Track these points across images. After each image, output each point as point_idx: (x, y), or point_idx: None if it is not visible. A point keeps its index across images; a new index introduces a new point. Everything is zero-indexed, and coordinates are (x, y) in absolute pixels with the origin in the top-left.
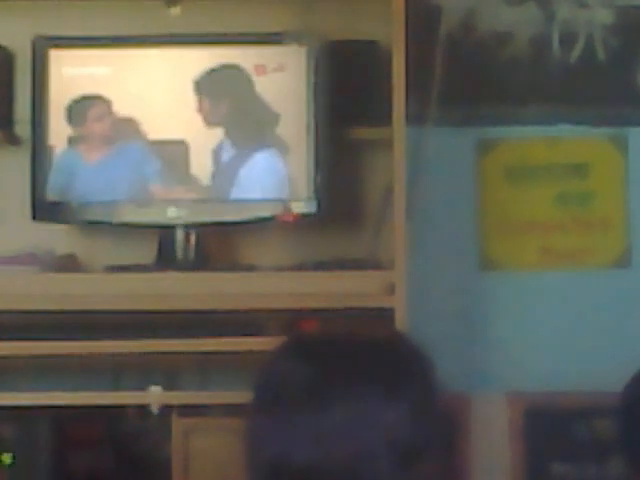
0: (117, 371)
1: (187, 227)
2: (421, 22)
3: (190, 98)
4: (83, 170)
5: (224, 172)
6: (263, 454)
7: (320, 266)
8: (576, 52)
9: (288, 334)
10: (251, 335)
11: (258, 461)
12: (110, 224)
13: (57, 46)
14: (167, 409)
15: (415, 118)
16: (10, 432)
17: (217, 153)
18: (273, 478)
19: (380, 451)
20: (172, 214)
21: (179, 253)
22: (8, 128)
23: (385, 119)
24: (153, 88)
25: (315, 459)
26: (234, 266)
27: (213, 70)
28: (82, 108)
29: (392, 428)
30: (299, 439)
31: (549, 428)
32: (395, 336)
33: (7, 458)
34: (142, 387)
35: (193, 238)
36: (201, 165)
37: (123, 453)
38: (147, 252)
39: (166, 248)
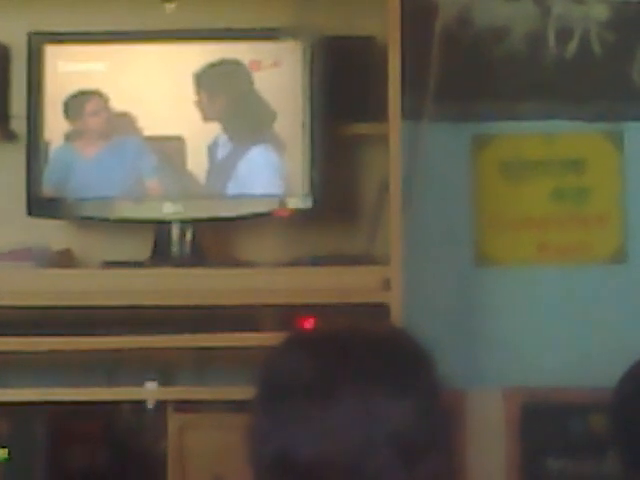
0: (113, 367)
1: (183, 223)
2: (417, 17)
3: (186, 93)
4: (79, 165)
5: (220, 168)
6: (267, 449)
7: (316, 262)
8: (572, 47)
9: (286, 329)
10: (247, 330)
11: (262, 456)
12: (106, 220)
13: (53, 41)
14: (163, 405)
15: (411, 114)
16: (6, 428)
17: (213, 149)
18: (277, 473)
19: (384, 446)
20: (168, 210)
21: (175, 249)
22: (4, 123)
23: (381, 115)
24: (149, 83)
25: (319, 454)
26: (230, 262)
27: (214, 64)
28: (78, 103)
29: (396, 424)
30: (303, 434)
31: (545, 424)
32: (398, 332)
33: (3, 454)
34: (138, 383)
35: (189, 234)
36: (197, 161)
37: (119, 449)
38: (143, 248)
39: (162, 244)
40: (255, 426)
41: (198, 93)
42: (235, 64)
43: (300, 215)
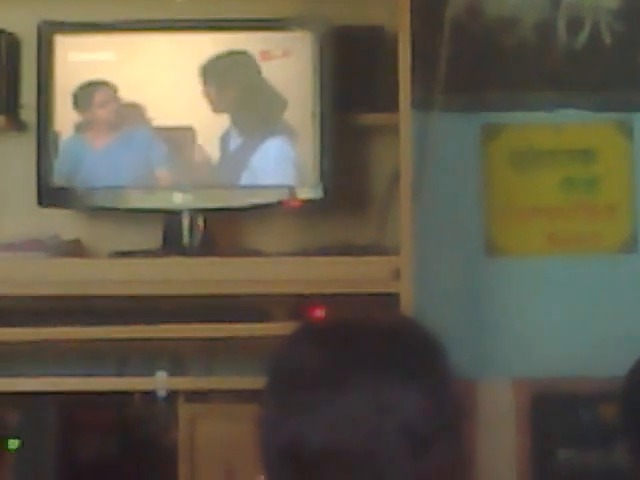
0: (123, 357)
1: (193, 212)
2: (426, 7)
3: (196, 84)
4: (89, 156)
5: (230, 158)
6: (277, 439)
7: (326, 252)
8: (582, 37)
9: (296, 319)
10: (257, 320)
11: (272, 446)
12: (116, 210)
13: (62, 31)
14: (173, 395)
15: (421, 103)
16: (16, 418)
17: (224, 139)
18: (287, 463)
19: (395, 436)
20: (178, 199)
21: (185, 238)
22: (14, 114)
23: (391, 105)
24: (159, 74)
25: (329, 444)
26: (240, 251)
27: (220, 56)
28: (87, 94)
29: (406, 413)
30: (313, 424)
31: (555, 414)
32: (408, 322)
33: (14, 443)
34: (148, 373)
35: (199, 223)
36: (207, 151)
37: (129, 439)
38: (153, 238)
39: (172, 234)
40: (265, 416)
41: (207, 84)
42: (244, 54)
43: (310, 205)
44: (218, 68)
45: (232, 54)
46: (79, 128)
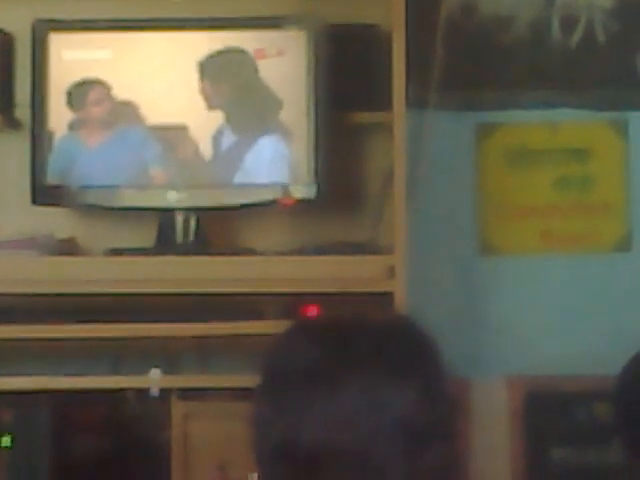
0: (117, 355)
1: (187, 211)
2: (421, 5)
3: (190, 82)
4: (83, 154)
5: (224, 156)
6: (270, 437)
7: (320, 250)
8: (576, 36)
9: (290, 318)
10: (251, 319)
11: (265, 444)
12: (110, 208)
13: (57, 29)
14: (167, 392)
15: (415, 102)
16: (10, 415)
17: (217, 137)
18: (280, 461)
19: (388, 434)
20: (172, 198)
21: (179, 237)
22: (8, 112)
23: (385, 103)
24: (153, 72)
25: (322, 442)
26: (234, 250)
27: (219, 52)
28: (82, 92)
29: (400, 412)
30: (306, 422)
31: (549, 412)
32: (402, 320)
33: (7, 441)
34: (142, 371)
35: (193, 222)
36: (201, 149)
37: (123, 437)
38: (147, 236)
39: (166, 232)
40: (258, 414)
41: (202, 81)
42: (240, 52)
43: (304, 204)
44: (215, 64)
45: (229, 51)
46: (73, 126)
